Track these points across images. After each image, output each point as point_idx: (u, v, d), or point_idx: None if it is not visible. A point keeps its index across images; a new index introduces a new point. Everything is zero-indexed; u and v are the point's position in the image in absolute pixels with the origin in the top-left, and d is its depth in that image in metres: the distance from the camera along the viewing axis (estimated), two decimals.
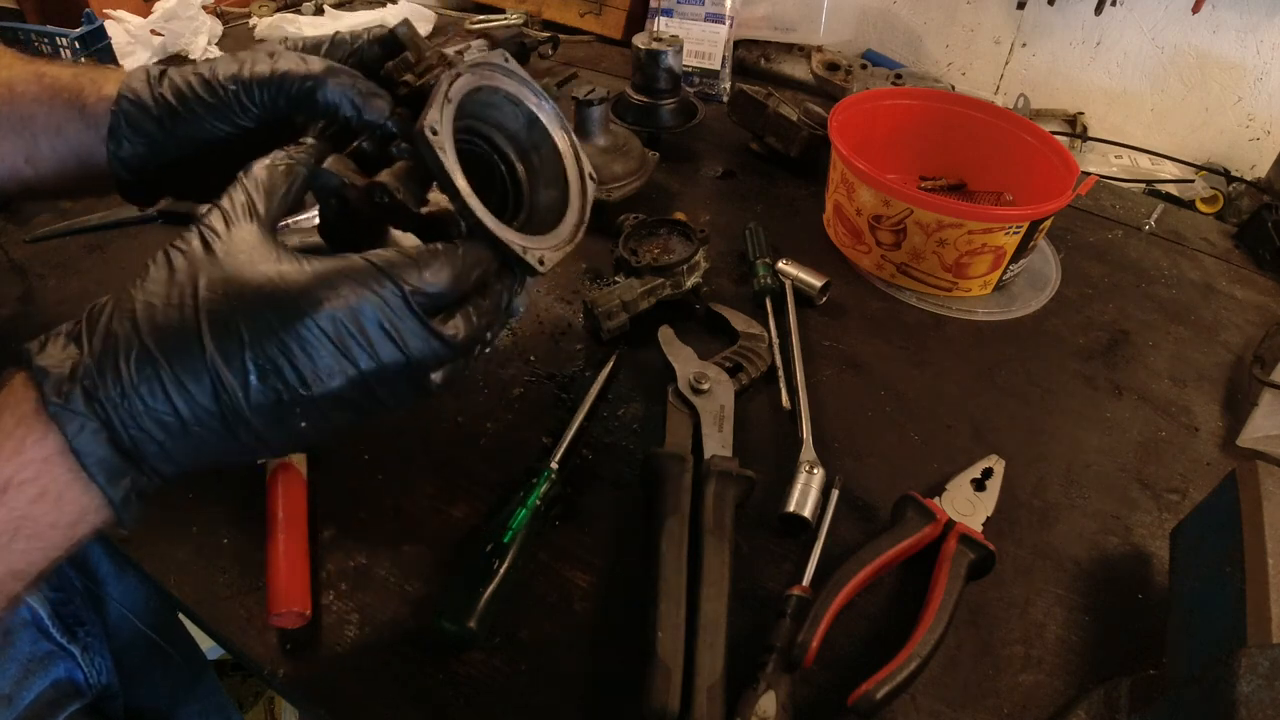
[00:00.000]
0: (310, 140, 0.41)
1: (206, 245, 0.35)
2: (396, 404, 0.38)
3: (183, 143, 0.47)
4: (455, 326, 0.37)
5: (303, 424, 0.35)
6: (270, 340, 0.33)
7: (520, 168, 0.46)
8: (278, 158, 0.39)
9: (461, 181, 0.38)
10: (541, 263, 0.41)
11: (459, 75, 0.41)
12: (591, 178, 0.47)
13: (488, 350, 0.42)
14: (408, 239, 0.42)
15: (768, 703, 0.45)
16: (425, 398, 0.39)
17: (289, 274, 0.34)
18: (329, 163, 0.41)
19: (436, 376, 0.39)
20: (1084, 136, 1.14)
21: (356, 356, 0.34)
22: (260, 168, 0.38)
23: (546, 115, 0.46)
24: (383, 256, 0.36)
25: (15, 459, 0.32)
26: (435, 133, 0.38)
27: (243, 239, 0.35)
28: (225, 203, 0.36)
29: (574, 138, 0.47)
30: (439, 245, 0.37)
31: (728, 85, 1.13)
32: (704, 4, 1.10)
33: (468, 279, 0.38)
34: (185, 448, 0.34)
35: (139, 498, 0.35)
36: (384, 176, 0.40)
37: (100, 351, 0.33)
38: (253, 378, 0.33)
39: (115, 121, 0.47)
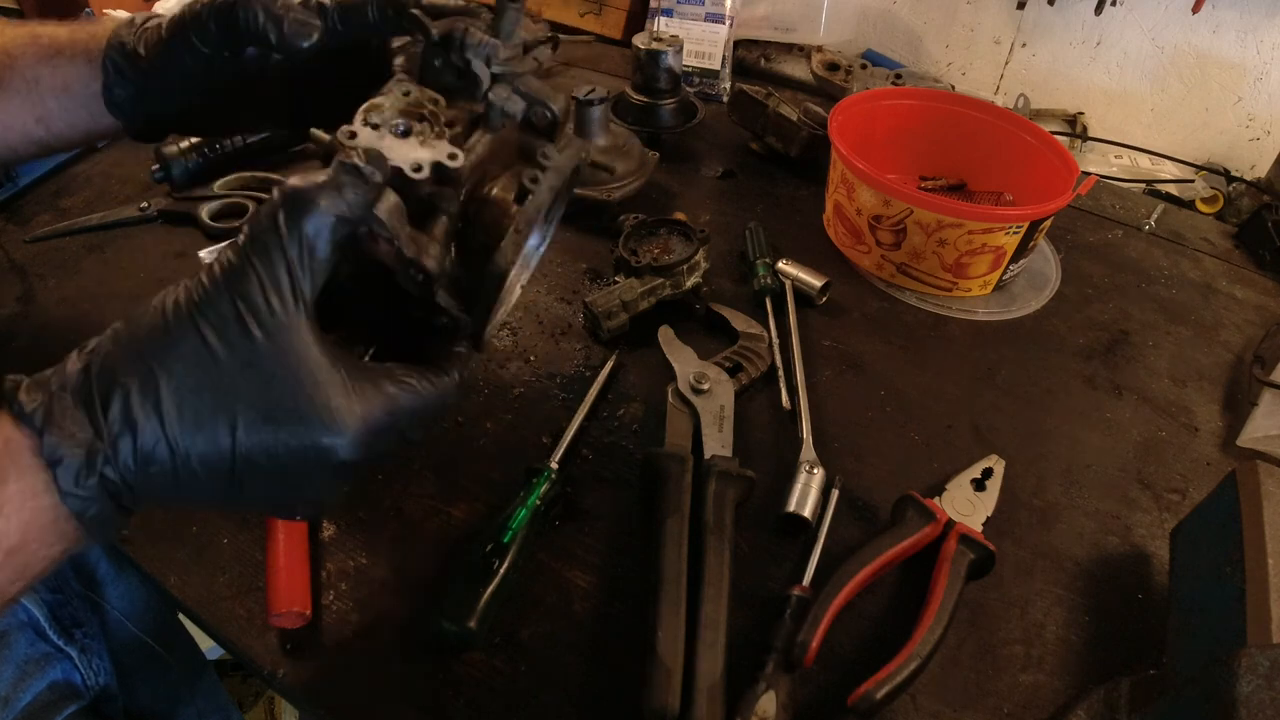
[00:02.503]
0: (378, 179, 0.34)
1: (232, 346, 0.31)
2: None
3: (163, 85, 0.49)
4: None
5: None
6: None
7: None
8: (329, 197, 0.32)
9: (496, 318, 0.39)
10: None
11: (532, 220, 0.40)
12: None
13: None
14: None
15: (768, 703, 0.45)
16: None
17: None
18: (384, 209, 0.35)
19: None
20: (1084, 136, 1.14)
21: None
22: (307, 221, 0.32)
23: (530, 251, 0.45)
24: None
25: None
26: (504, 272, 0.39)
27: (288, 340, 0.32)
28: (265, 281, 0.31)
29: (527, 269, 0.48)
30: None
31: (728, 85, 1.13)
32: (704, 4, 1.10)
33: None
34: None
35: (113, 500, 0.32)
36: (430, 262, 0.37)
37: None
38: None
39: (105, 72, 0.49)
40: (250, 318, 0.31)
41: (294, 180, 0.33)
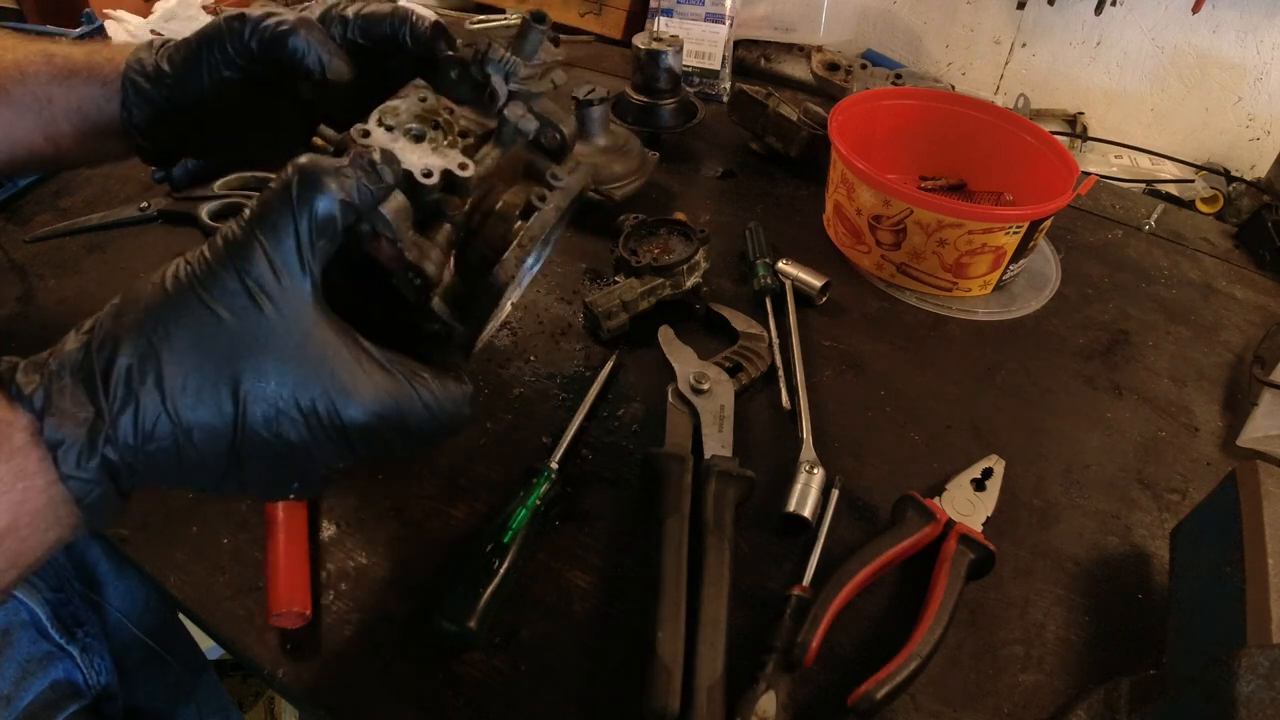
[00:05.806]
0: (389, 178, 0.35)
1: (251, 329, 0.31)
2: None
3: (182, 102, 0.49)
4: None
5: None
6: None
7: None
8: (340, 180, 0.33)
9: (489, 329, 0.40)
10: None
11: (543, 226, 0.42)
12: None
13: None
14: None
15: (768, 703, 0.45)
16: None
17: None
18: (391, 208, 0.36)
19: None
20: (1084, 136, 1.14)
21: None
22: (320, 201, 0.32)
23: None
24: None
25: None
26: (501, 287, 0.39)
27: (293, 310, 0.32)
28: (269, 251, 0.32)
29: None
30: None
31: (728, 85, 1.13)
32: (704, 4, 1.10)
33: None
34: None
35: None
36: (430, 267, 0.37)
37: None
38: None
39: (124, 92, 0.49)
40: (257, 289, 0.31)
41: (306, 159, 0.33)
